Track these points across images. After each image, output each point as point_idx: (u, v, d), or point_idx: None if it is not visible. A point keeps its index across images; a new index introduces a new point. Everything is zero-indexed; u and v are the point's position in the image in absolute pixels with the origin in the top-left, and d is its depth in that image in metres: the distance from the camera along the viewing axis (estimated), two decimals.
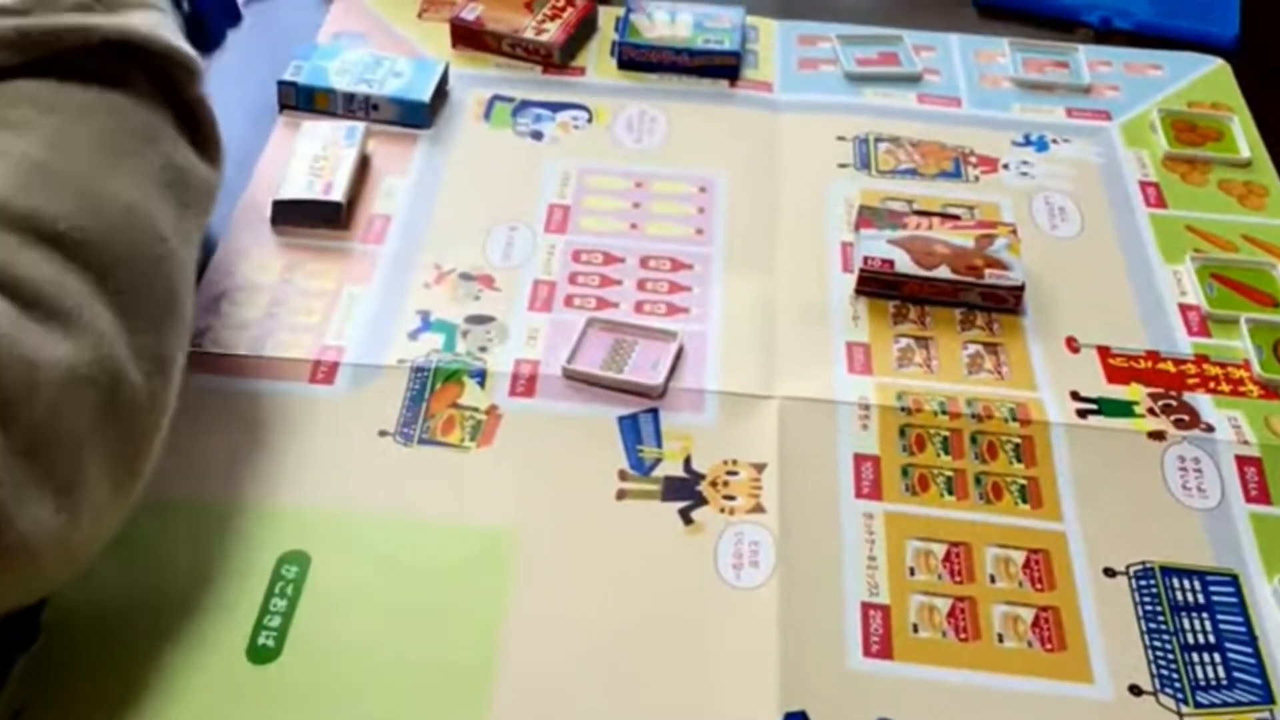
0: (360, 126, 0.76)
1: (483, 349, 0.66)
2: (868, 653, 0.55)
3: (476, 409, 0.63)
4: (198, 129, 0.55)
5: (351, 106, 0.79)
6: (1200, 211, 0.77)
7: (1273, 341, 0.69)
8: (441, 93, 0.81)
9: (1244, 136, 0.81)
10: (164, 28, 0.53)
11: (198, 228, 0.54)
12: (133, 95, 0.52)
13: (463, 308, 0.68)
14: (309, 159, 0.73)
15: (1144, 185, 0.79)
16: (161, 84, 0.53)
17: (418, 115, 0.78)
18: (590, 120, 0.81)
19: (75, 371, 0.43)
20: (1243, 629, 0.57)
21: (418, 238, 0.72)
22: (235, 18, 0.73)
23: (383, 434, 0.62)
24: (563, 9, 0.86)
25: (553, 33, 0.84)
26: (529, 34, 0.84)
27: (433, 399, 0.63)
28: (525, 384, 0.64)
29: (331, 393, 0.63)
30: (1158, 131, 0.82)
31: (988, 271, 0.69)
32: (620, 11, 0.88)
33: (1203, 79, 0.87)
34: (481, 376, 0.64)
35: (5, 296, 0.43)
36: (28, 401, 0.42)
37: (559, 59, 0.84)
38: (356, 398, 0.63)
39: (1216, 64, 0.88)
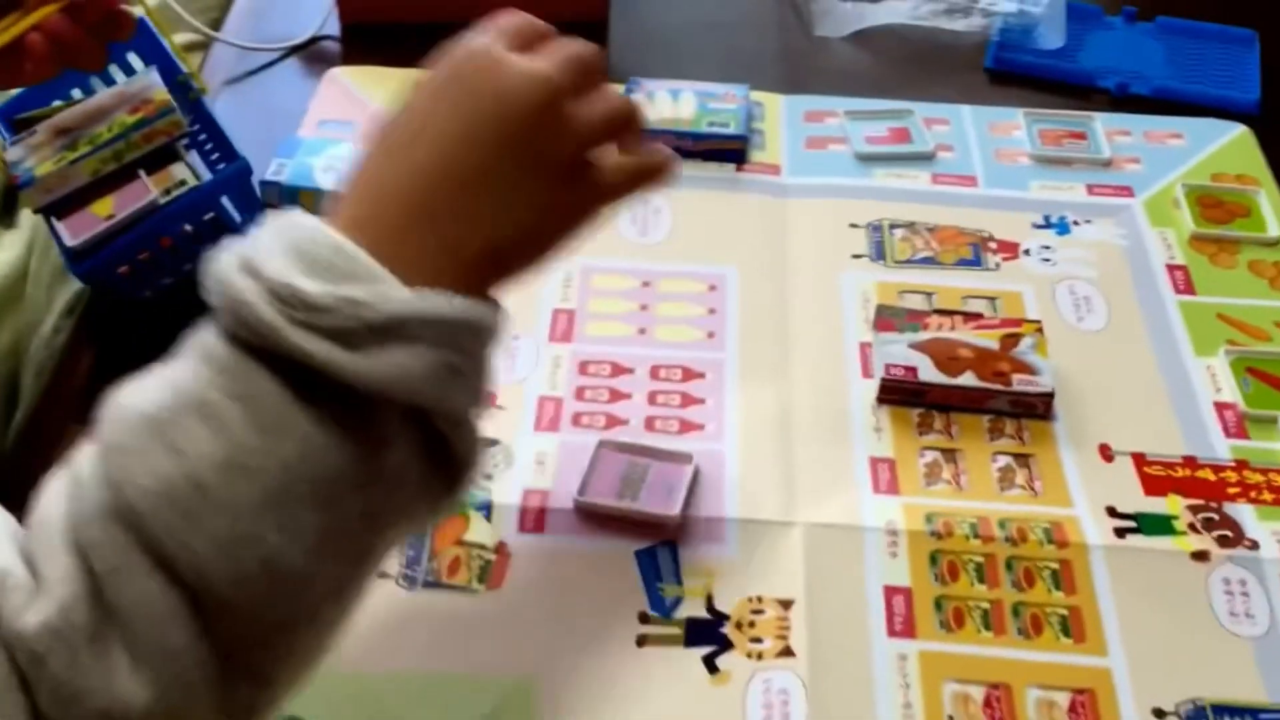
0: None
1: (488, 477, 0.62)
2: None
3: (484, 546, 0.60)
4: (443, 452, 0.44)
5: None
6: (1231, 297, 0.74)
7: None
8: None
9: (1272, 211, 0.78)
10: (437, 374, 0.41)
11: (388, 552, 0.45)
12: (358, 430, 0.41)
13: None
14: None
15: (1171, 269, 0.75)
16: (411, 414, 0.42)
17: None
18: None
19: (117, 717, 0.38)
20: None
21: None
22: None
23: (384, 577, 0.58)
24: None
25: None
26: None
27: (437, 536, 0.60)
28: (535, 517, 0.61)
29: None
30: (1183, 208, 0.79)
31: (1015, 377, 0.66)
32: (620, 90, 0.85)
33: (1226, 147, 0.84)
34: (488, 509, 0.61)
35: (92, 608, 0.38)
36: None
37: None
38: None
39: (1239, 130, 0.85)
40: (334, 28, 0.90)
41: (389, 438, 0.42)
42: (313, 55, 0.89)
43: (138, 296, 0.71)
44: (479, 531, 0.60)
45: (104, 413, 0.41)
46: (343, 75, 0.86)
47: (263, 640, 0.40)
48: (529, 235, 0.46)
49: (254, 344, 0.40)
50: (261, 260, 0.41)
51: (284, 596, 0.40)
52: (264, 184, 0.75)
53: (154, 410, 0.40)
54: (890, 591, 0.59)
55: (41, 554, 0.39)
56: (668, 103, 0.83)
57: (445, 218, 0.43)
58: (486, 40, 0.46)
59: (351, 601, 0.44)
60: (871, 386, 0.67)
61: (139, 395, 0.41)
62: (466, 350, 0.42)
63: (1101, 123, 0.85)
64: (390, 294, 0.41)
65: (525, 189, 0.45)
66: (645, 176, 0.51)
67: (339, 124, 0.82)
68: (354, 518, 0.41)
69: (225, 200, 0.72)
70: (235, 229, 0.73)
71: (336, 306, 0.40)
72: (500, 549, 0.60)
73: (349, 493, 0.41)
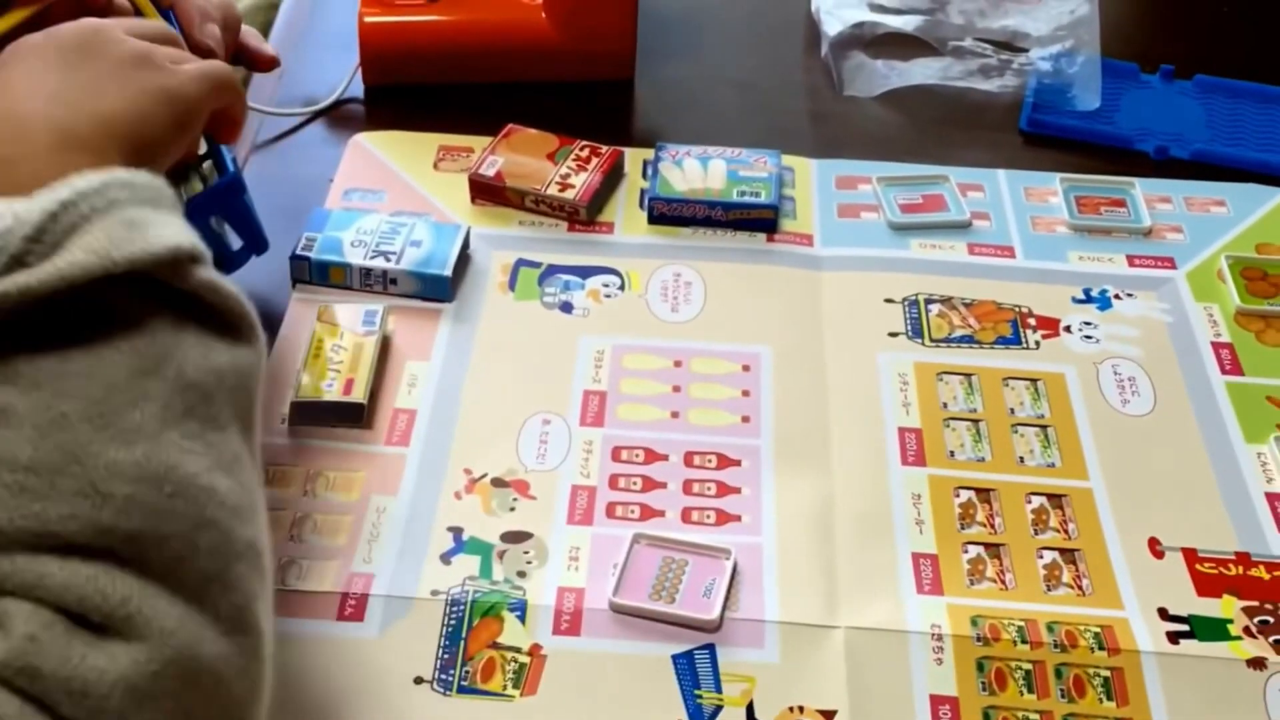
0: (379, 309, 0.71)
1: (521, 574, 0.61)
2: None
3: (518, 650, 0.58)
4: (210, 314, 0.47)
5: (369, 281, 0.74)
6: (1279, 378, 0.72)
7: None
8: (464, 257, 0.76)
9: None
10: (119, 233, 0.44)
11: (243, 425, 0.47)
12: (118, 327, 0.44)
13: (498, 521, 0.63)
14: (326, 351, 0.69)
15: (1217, 347, 0.74)
16: (150, 291, 0.45)
17: (440, 289, 0.74)
18: (623, 287, 0.76)
19: (138, 687, 0.39)
20: None
21: (445, 437, 0.67)
22: (262, 246, 0.71)
23: (419, 681, 0.57)
24: (587, 160, 0.81)
25: (578, 189, 0.79)
26: (553, 190, 0.79)
27: (470, 637, 0.58)
28: (570, 619, 0.59)
29: (361, 631, 0.58)
30: (1227, 281, 0.77)
31: None
32: (648, 154, 0.83)
33: (1270, 214, 0.82)
34: (522, 609, 0.59)
35: (54, 613, 0.39)
36: None
37: (586, 216, 0.79)
38: (389, 637, 0.58)
39: None
40: (358, 90, 0.89)
41: (141, 315, 0.44)
42: (337, 118, 0.87)
43: None
44: (513, 634, 0.58)
45: None
46: (367, 141, 0.85)
47: (193, 547, 0.42)
48: (136, 113, 0.52)
49: None
50: None
51: (175, 498, 0.42)
52: (294, 258, 0.74)
53: None
54: (936, 701, 0.57)
55: None
56: (697, 171, 0.81)
57: (41, 128, 0.49)
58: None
59: (247, 475, 0.46)
60: (911, 474, 0.66)
61: None
62: (131, 202, 0.45)
63: (1141, 189, 0.83)
64: (29, 204, 0.43)
65: (108, 79, 0.52)
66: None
67: (365, 193, 0.81)
68: (175, 395, 0.44)
69: (214, 220, 0.68)
70: (229, 256, 0.69)
71: None
72: (534, 651, 0.58)
73: (149, 378, 0.43)
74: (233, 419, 0.46)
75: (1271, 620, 0.60)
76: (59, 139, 0.49)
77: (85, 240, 0.43)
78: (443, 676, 0.57)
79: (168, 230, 0.45)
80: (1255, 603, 0.61)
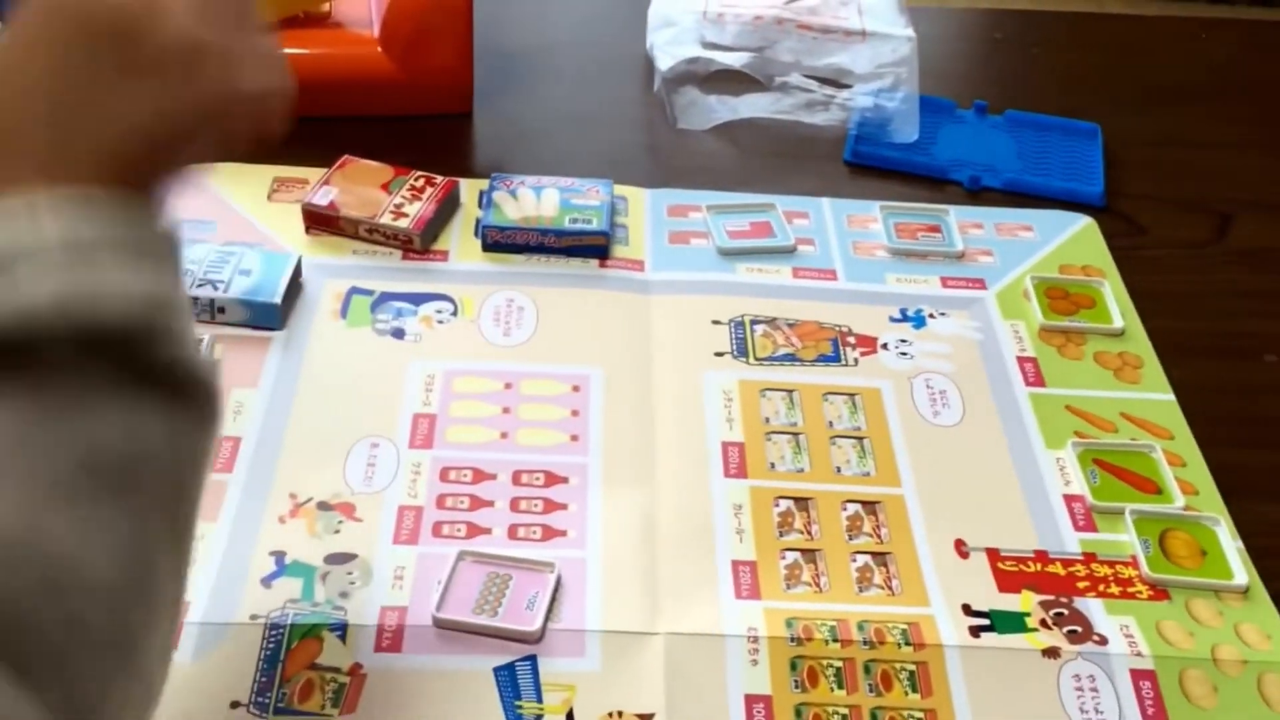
0: (205, 338, 0.70)
1: (344, 595, 0.61)
2: None
3: (338, 669, 0.58)
4: (167, 384, 0.40)
5: (196, 310, 0.73)
6: (1078, 388, 0.76)
7: (1159, 533, 0.68)
8: (295, 286, 0.76)
9: (1116, 303, 0.81)
10: (80, 273, 0.37)
11: (171, 516, 0.42)
12: (31, 376, 0.37)
13: (322, 544, 0.63)
14: None
15: (1022, 361, 0.78)
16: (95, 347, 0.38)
17: (269, 317, 0.74)
18: (455, 313, 0.77)
19: None
20: None
21: (271, 462, 0.67)
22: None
23: (235, 706, 0.56)
24: (422, 190, 0.82)
25: (412, 218, 0.80)
26: (386, 219, 0.80)
27: (289, 660, 0.58)
28: (391, 636, 0.59)
29: (177, 659, 0.58)
30: (1032, 300, 0.81)
31: None
32: (484, 185, 0.85)
33: (1073, 238, 0.87)
34: (343, 630, 0.59)
35: None
36: None
37: (420, 245, 0.80)
38: (205, 664, 0.57)
39: (1085, 222, 0.89)
40: None
41: (65, 371, 0.37)
42: None
43: None
44: (333, 654, 0.58)
45: None
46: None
47: (38, 618, 0.36)
48: (152, 135, 0.40)
49: None
50: None
51: (23, 565, 0.36)
52: None
53: None
54: (751, 700, 0.58)
55: None
56: (530, 199, 0.83)
57: (29, 142, 0.39)
58: None
59: (149, 569, 0.40)
60: (734, 486, 0.68)
61: None
62: (105, 235, 0.38)
63: (955, 216, 0.88)
64: None
65: (134, 89, 0.40)
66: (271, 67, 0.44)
67: (195, 223, 0.81)
68: (75, 474, 0.37)
69: None
70: None
71: None
72: (354, 671, 0.58)
73: (41, 449, 0.37)
74: (154, 508, 0.41)
75: (1065, 613, 0.63)
76: (49, 158, 0.39)
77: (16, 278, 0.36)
78: (259, 699, 0.56)
79: (139, 270, 0.39)
80: (1051, 596, 0.64)
